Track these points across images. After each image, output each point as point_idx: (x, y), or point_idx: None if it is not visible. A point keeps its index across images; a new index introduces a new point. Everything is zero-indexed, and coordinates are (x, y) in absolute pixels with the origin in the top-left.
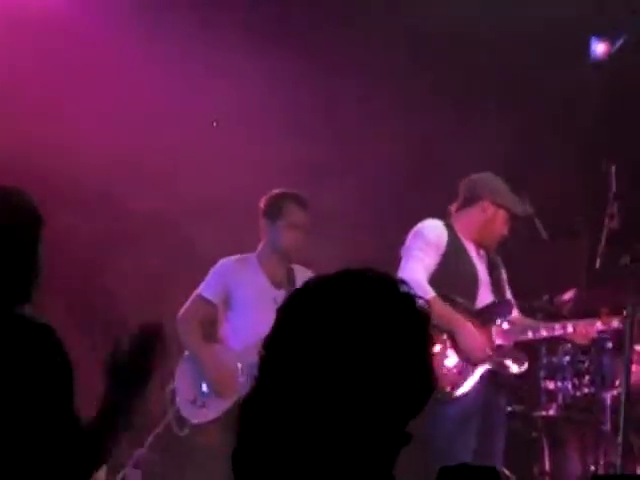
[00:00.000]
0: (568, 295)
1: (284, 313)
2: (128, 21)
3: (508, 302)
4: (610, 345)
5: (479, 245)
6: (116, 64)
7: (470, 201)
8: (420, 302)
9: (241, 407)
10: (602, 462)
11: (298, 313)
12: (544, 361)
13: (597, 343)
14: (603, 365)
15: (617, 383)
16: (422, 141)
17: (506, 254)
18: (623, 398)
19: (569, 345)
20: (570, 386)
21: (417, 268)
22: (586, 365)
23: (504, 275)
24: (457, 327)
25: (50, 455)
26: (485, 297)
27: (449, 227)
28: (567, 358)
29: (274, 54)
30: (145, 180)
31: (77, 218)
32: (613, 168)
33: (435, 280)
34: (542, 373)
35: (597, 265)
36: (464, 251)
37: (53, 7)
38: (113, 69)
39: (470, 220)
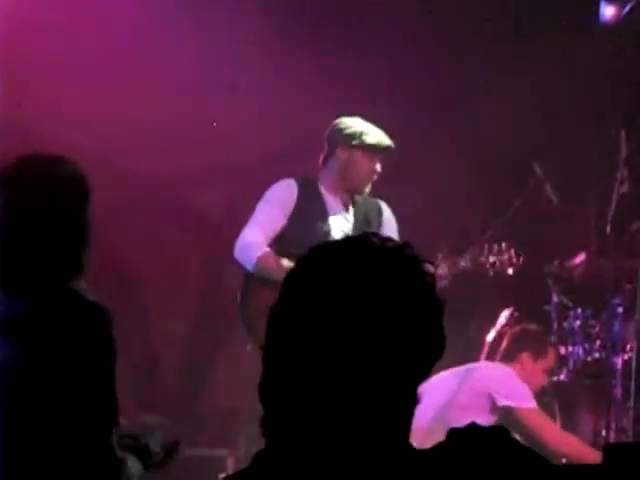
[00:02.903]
0: (578, 260)
1: (289, 281)
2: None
3: None
4: (621, 310)
5: (350, 195)
6: (119, 27)
7: (330, 152)
8: (426, 264)
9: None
10: (613, 427)
11: (303, 280)
12: (554, 326)
13: (608, 308)
14: (614, 330)
15: (628, 347)
16: (442, 104)
17: (515, 220)
18: (634, 363)
19: (579, 310)
20: (581, 351)
21: (254, 231)
22: (597, 330)
23: (384, 229)
24: None
25: (82, 435)
26: None
27: (307, 184)
28: (578, 323)
29: (285, 22)
30: (153, 146)
31: None
32: (623, 133)
33: (285, 240)
34: (553, 338)
35: (607, 231)
36: (319, 209)
37: None
38: (114, 28)
39: (329, 173)
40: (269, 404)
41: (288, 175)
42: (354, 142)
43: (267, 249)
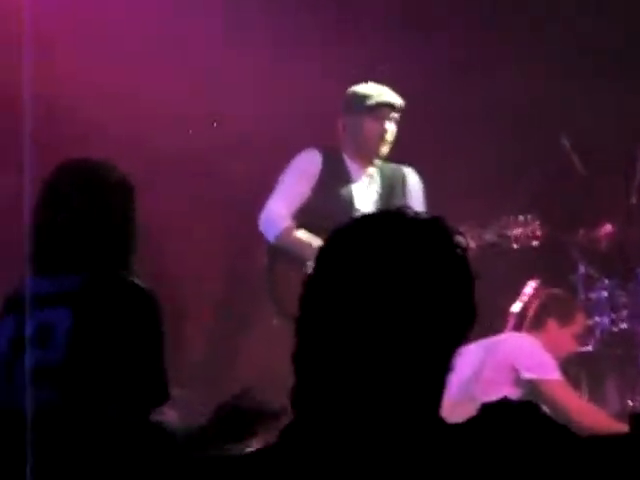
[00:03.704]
0: (605, 230)
1: (324, 253)
2: None
3: None
4: None
5: (374, 164)
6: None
7: (344, 122)
8: (458, 236)
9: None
10: None
11: (338, 252)
12: (581, 297)
13: (635, 277)
14: None
15: None
16: (465, 70)
17: (540, 191)
18: None
19: (606, 280)
20: (608, 321)
21: (278, 203)
22: (624, 300)
23: (409, 198)
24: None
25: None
26: None
27: (331, 154)
28: (604, 293)
29: None
30: (171, 118)
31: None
32: None
33: (309, 211)
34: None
35: (633, 200)
36: (343, 179)
37: None
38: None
39: (348, 143)
40: (302, 374)
41: (312, 145)
42: (357, 107)
43: (291, 222)
